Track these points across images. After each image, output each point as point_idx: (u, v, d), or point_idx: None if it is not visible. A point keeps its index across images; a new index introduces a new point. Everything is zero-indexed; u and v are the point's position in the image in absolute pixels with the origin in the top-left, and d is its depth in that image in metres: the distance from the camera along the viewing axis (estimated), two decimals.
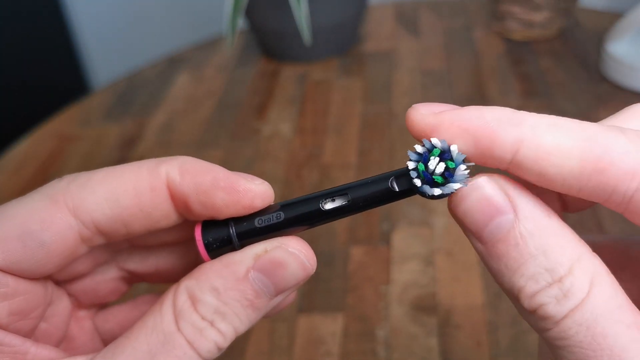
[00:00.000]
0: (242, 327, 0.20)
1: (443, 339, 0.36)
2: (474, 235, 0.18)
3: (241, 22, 0.67)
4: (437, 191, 0.18)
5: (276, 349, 0.37)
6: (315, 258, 0.20)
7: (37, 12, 1.06)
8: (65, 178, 0.21)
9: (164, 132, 0.60)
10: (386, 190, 0.19)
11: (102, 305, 0.25)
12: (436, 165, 0.18)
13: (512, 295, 0.17)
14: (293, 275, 0.20)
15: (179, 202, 0.20)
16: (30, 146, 0.61)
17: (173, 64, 0.73)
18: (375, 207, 0.19)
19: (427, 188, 0.18)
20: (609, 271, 0.16)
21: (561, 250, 0.16)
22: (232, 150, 0.56)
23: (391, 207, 0.46)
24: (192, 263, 0.25)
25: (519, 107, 0.18)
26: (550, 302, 0.16)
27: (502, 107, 0.17)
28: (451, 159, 0.18)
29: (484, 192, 0.17)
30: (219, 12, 0.81)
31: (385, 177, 0.19)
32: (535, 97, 0.59)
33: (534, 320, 0.17)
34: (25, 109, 1.01)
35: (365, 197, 0.19)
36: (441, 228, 0.44)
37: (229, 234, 0.20)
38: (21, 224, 0.19)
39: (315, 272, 0.20)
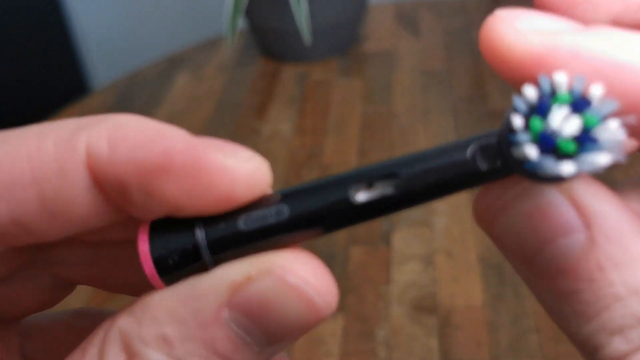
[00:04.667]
0: None
1: (443, 339, 0.36)
2: (520, 261, 0.11)
3: (241, 22, 0.67)
4: (568, 168, 0.09)
5: None
6: (334, 290, 0.13)
7: (37, 12, 1.06)
8: None
9: None
10: (463, 169, 0.11)
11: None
12: (565, 120, 0.10)
13: (586, 350, 0.11)
14: (293, 320, 0.12)
15: (111, 190, 0.12)
16: None
17: (173, 64, 0.73)
18: (439, 198, 0.12)
19: (549, 162, 0.10)
20: None
21: None
22: None
23: None
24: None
25: None
26: None
27: None
28: (590, 112, 0.10)
29: (540, 200, 0.11)
30: (219, 12, 0.81)
31: (459, 147, 0.11)
32: None
33: None
34: (25, 109, 1.01)
35: (427, 180, 0.11)
36: (441, 228, 0.44)
37: (194, 242, 0.12)
38: None
39: None
